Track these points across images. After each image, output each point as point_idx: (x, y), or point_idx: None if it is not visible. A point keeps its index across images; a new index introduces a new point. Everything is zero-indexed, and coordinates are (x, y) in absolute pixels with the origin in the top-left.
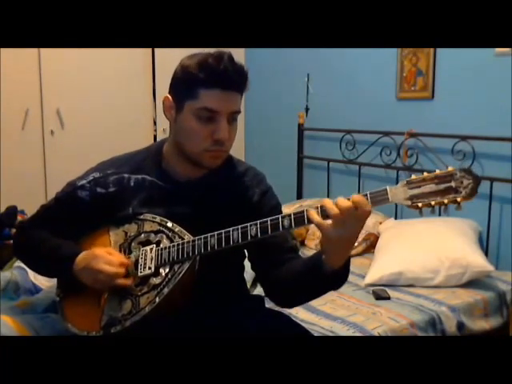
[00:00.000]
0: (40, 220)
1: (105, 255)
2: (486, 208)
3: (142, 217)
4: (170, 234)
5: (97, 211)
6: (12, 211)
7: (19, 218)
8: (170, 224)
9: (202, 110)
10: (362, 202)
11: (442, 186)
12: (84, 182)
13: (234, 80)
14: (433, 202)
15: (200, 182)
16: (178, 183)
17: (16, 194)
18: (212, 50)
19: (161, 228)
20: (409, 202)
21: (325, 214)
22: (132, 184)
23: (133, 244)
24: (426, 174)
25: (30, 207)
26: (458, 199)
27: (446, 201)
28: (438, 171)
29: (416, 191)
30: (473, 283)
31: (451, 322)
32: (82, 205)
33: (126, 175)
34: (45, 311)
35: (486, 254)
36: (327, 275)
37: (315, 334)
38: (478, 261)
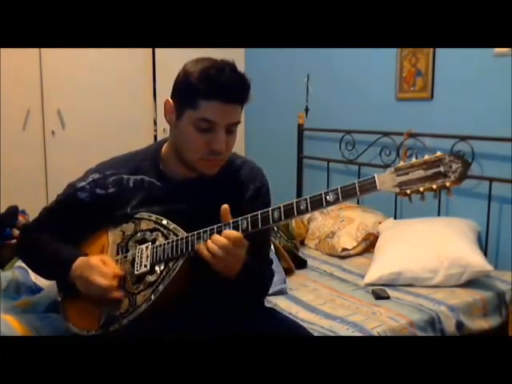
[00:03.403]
0: (42, 222)
1: (99, 266)
2: (485, 208)
3: (138, 216)
4: (165, 231)
5: (97, 212)
6: (13, 211)
7: (20, 218)
8: (165, 222)
9: (200, 120)
10: (236, 238)
11: (431, 172)
12: (84, 183)
13: (234, 92)
14: (421, 188)
15: (196, 180)
16: (176, 183)
17: (17, 194)
18: (215, 57)
19: (156, 226)
20: (397, 189)
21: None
22: (131, 185)
23: (130, 243)
24: (414, 160)
25: (30, 207)
26: (447, 184)
27: (434, 186)
28: (426, 157)
29: (404, 178)
30: (472, 283)
31: (450, 322)
32: (83, 206)
33: (125, 176)
34: (45, 311)
35: (485, 253)
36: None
37: (315, 334)
38: (477, 260)
